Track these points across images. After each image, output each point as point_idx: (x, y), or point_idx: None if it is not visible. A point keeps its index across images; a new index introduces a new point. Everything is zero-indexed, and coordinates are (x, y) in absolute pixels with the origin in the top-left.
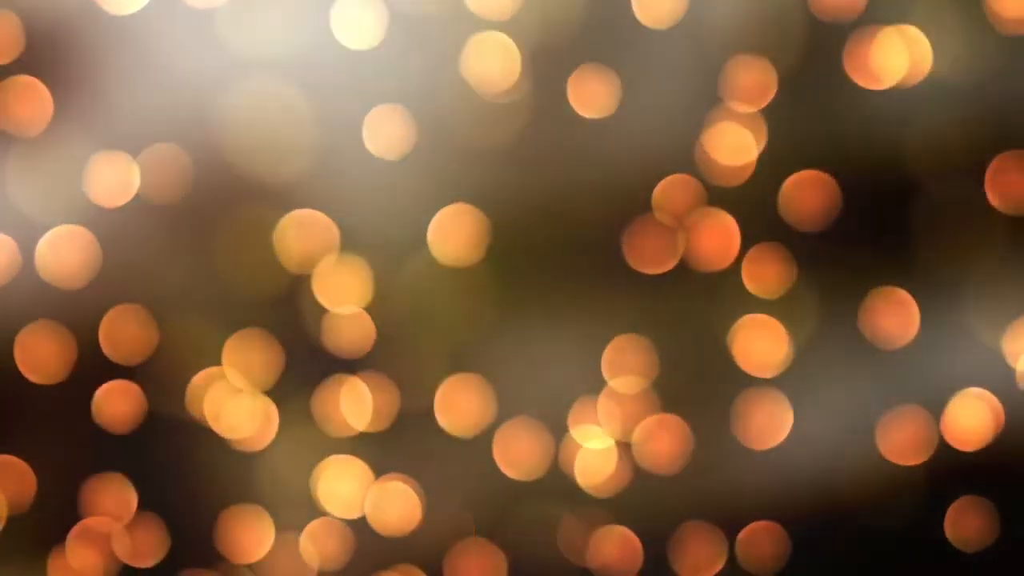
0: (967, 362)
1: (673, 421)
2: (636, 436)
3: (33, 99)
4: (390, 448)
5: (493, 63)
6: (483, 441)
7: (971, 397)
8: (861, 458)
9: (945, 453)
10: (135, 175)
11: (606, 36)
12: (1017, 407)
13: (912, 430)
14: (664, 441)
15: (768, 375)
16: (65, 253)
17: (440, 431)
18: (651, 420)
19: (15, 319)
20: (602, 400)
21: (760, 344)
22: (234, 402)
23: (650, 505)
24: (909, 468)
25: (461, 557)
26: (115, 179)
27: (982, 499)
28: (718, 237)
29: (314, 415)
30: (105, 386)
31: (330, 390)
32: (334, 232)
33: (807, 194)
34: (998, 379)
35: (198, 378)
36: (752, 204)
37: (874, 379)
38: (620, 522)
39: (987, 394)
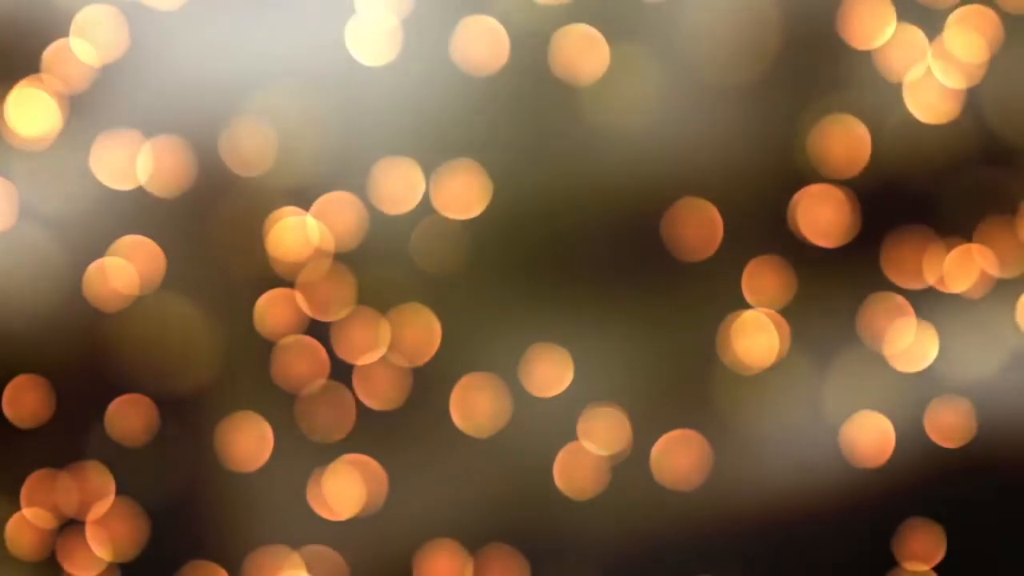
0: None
1: (679, 424)
2: (641, 437)
3: (44, 97)
4: (399, 450)
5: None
6: (491, 443)
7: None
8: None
9: (932, 451)
10: (142, 170)
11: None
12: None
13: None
14: (670, 442)
15: (762, 374)
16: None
17: (452, 432)
18: (655, 420)
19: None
20: (608, 403)
21: (755, 343)
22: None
23: (656, 505)
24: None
25: (483, 561)
26: (122, 173)
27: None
28: (702, 227)
29: (314, 417)
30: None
31: (330, 393)
32: (329, 236)
33: (812, 206)
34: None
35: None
36: (754, 213)
37: (871, 380)
38: (625, 521)
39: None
